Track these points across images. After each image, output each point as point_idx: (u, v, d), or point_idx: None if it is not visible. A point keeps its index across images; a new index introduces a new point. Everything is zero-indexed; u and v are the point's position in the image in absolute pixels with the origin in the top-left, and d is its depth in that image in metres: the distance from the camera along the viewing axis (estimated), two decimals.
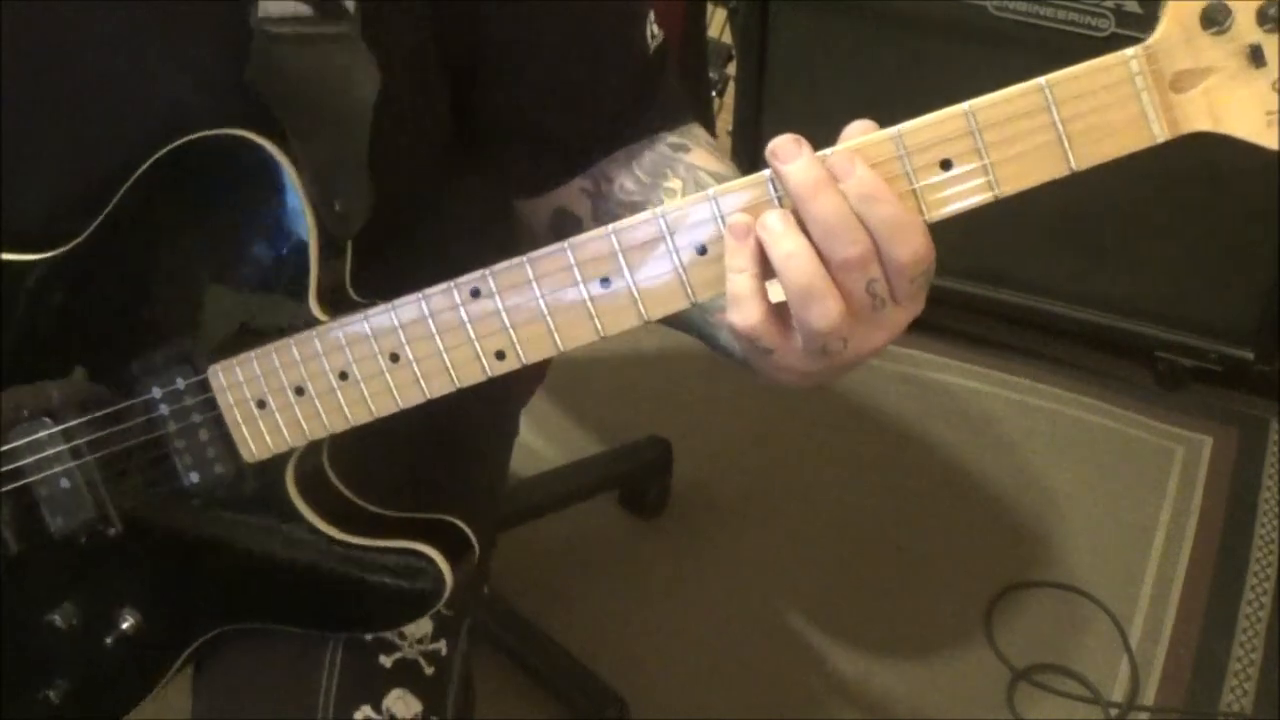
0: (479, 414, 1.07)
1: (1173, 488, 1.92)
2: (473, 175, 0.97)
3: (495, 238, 1.05)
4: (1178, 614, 1.76)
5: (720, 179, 0.90)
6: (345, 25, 0.80)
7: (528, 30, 0.88)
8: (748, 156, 2.02)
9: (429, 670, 0.97)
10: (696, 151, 0.92)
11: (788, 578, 1.81)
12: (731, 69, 1.99)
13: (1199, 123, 0.66)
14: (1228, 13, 0.64)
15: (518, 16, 0.87)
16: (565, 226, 0.94)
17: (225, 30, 0.79)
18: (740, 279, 0.70)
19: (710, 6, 1.97)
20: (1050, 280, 1.97)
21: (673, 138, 0.93)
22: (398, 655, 0.96)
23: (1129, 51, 0.66)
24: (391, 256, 0.86)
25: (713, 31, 2.03)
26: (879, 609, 1.77)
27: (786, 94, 1.96)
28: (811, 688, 1.69)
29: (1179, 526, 1.86)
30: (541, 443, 1.23)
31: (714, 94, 1.97)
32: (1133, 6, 1.69)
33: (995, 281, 1.99)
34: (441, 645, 0.99)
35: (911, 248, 0.68)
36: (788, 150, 0.69)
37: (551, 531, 1.77)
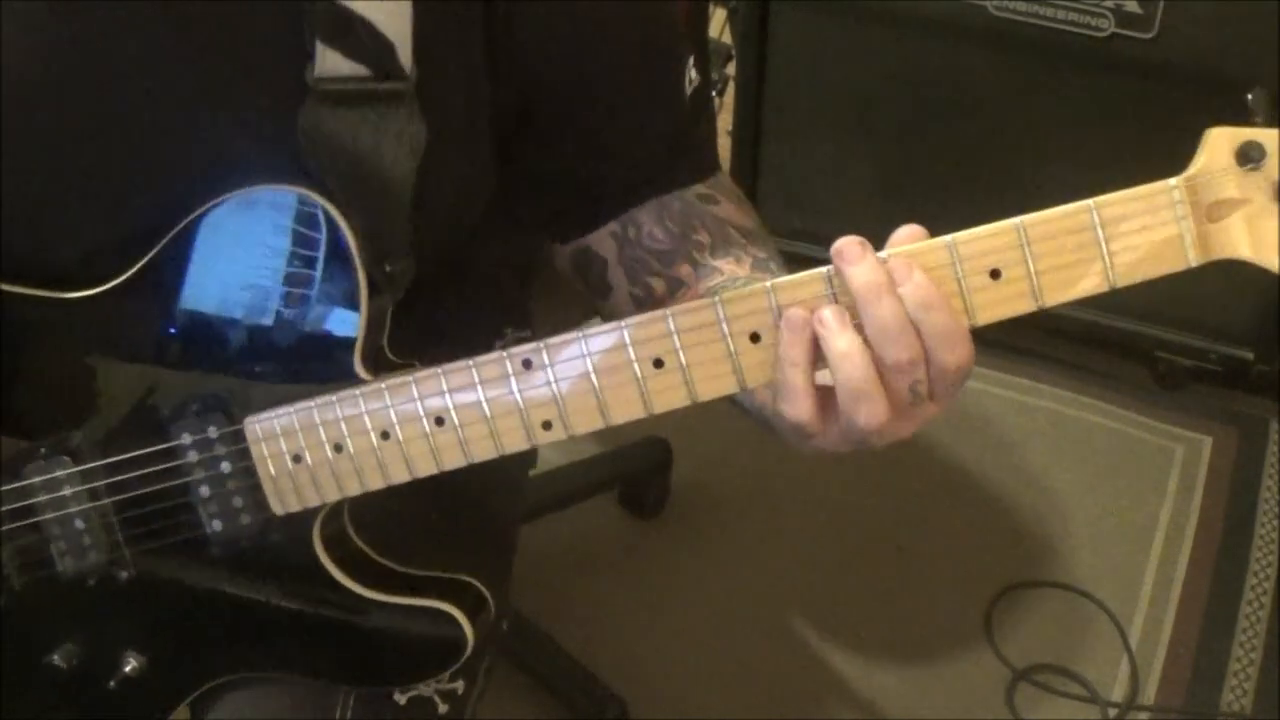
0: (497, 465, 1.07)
1: (1173, 488, 1.92)
2: (501, 220, 0.97)
3: (516, 281, 1.05)
4: (1178, 614, 1.76)
5: (747, 234, 0.91)
6: (401, 85, 0.79)
7: (576, 83, 0.88)
8: (748, 157, 2.02)
9: (443, 708, 0.97)
10: (724, 204, 0.93)
11: (788, 578, 1.81)
12: (731, 69, 1.99)
13: (1231, 250, 0.71)
14: (1262, 151, 0.68)
15: (568, 69, 0.87)
16: (590, 266, 0.94)
17: (280, 85, 0.79)
18: (793, 372, 0.72)
19: (710, 6, 1.97)
20: None
21: (701, 188, 0.93)
22: (413, 693, 0.96)
23: (1171, 181, 0.70)
24: (421, 306, 0.86)
25: (713, 31, 2.03)
26: (879, 609, 1.77)
27: (786, 94, 1.96)
28: (811, 688, 1.69)
29: (1179, 526, 1.86)
30: None
31: (714, 94, 1.97)
32: (1133, 7, 1.69)
33: None
34: (459, 685, 0.99)
35: (959, 356, 0.71)
36: (853, 252, 0.70)
37: (551, 531, 1.77)
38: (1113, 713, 1.65)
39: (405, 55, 0.79)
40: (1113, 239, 0.70)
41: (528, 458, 1.20)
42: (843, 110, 1.92)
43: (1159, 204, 0.69)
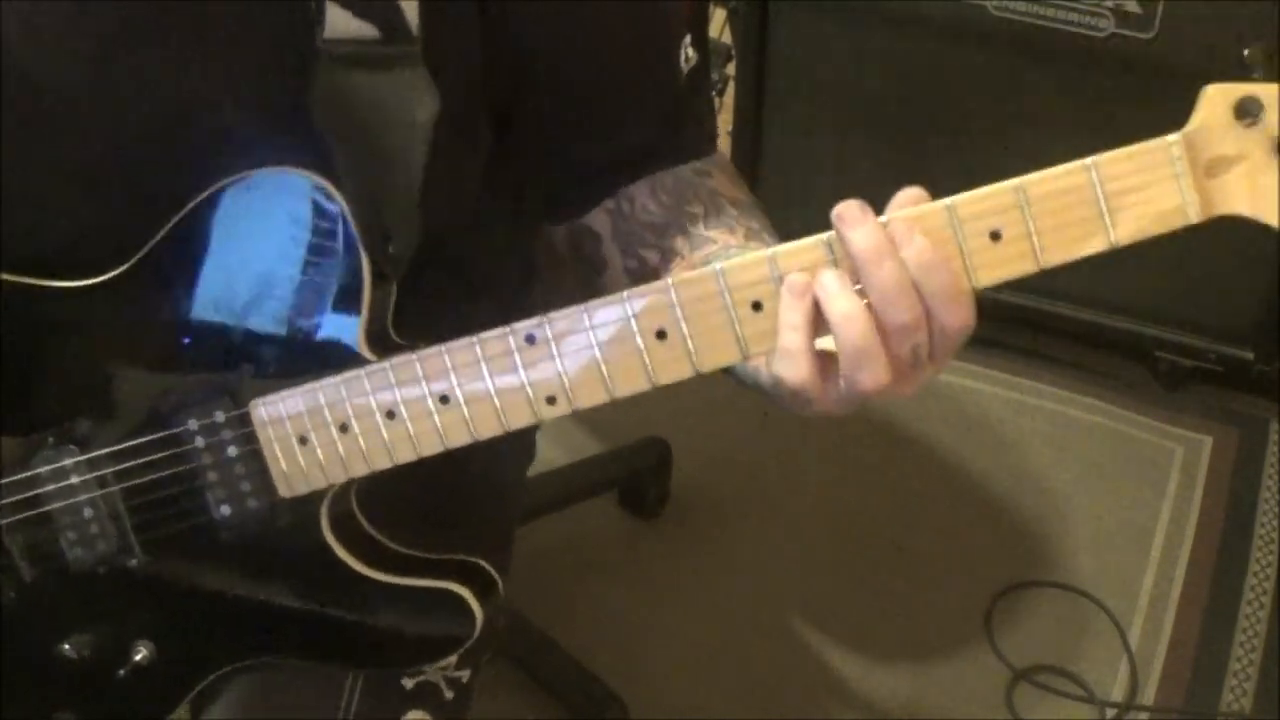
0: (495, 447, 1.07)
1: (1173, 488, 1.92)
2: (501, 201, 0.97)
3: (519, 262, 1.05)
4: (1178, 614, 1.76)
5: (740, 206, 0.91)
6: (409, 48, 0.79)
7: (570, 64, 0.88)
8: (748, 157, 2.02)
9: (449, 695, 0.97)
10: (718, 177, 0.93)
11: (788, 578, 1.81)
12: (731, 69, 1.99)
13: (1230, 206, 0.70)
14: (1259, 106, 0.68)
15: (560, 46, 0.87)
16: (583, 242, 0.94)
17: (288, 51, 0.79)
18: (794, 336, 0.72)
19: (710, 6, 1.97)
20: (1051, 280, 1.96)
21: (696, 163, 0.93)
22: (421, 678, 0.96)
23: (1170, 138, 0.69)
24: (425, 288, 0.86)
25: (713, 32, 2.03)
26: (879, 609, 1.77)
27: (786, 94, 1.96)
28: (811, 688, 1.69)
29: (1179, 526, 1.86)
30: (542, 443, 1.23)
31: (714, 94, 1.97)
32: (1133, 6, 1.69)
33: None
34: (465, 674, 0.99)
35: (960, 317, 0.71)
36: (853, 215, 0.70)
37: (551, 531, 1.77)
38: (1112, 713, 1.65)
39: (412, 17, 0.79)
40: (1112, 197, 0.70)
41: (526, 455, 1.20)
42: (843, 110, 1.92)
43: (1158, 161, 0.69)
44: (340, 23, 0.78)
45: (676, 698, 1.66)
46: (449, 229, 0.89)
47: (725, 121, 2.03)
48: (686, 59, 0.92)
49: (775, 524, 1.88)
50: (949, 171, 1.93)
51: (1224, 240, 1.88)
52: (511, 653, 1.67)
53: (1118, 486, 1.91)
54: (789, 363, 0.72)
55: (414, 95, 0.80)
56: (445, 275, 0.90)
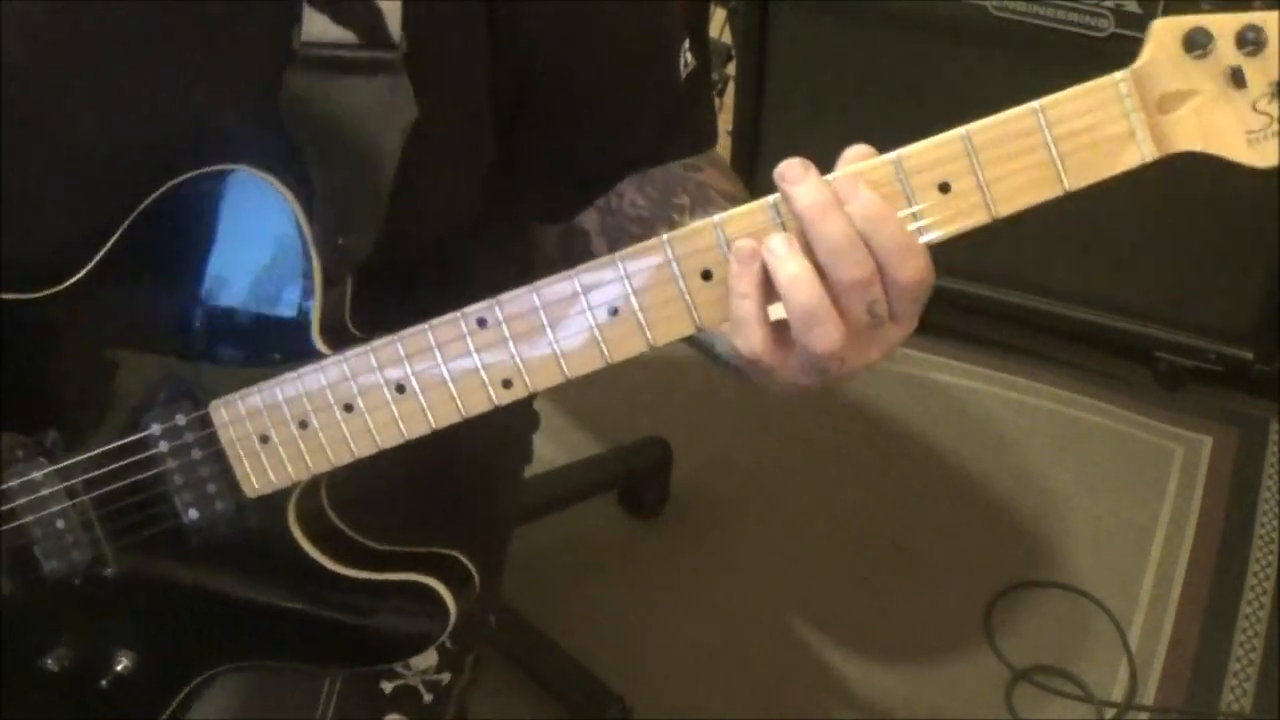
0: (488, 444, 1.06)
1: (1173, 488, 1.92)
2: (498, 202, 0.96)
3: (513, 263, 1.05)
4: (1178, 614, 1.76)
5: (728, 197, 0.90)
6: (389, 54, 0.79)
7: (569, 69, 0.87)
8: (748, 157, 2.02)
9: (427, 698, 0.97)
10: (709, 171, 0.92)
11: (788, 578, 1.81)
12: (731, 69, 1.99)
13: (1184, 142, 0.68)
14: (1209, 36, 0.66)
15: (560, 56, 0.87)
16: (573, 239, 0.94)
17: (265, 50, 0.78)
18: (744, 304, 0.70)
19: (710, 6, 1.97)
20: (1050, 280, 1.97)
21: (687, 159, 0.93)
22: (400, 682, 0.96)
23: (1118, 75, 0.68)
24: (415, 290, 0.86)
25: (713, 31, 2.03)
26: (879, 609, 1.77)
27: (786, 94, 1.96)
28: (811, 688, 1.69)
29: (1179, 526, 1.86)
30: (541, 443, 1.23)
31: (714, 94, 1.97)
32: (1132, 6, 1.69)
33: (995, 282, 1.98)
34: (445, 676, 0.99)
35: (914, 268, 0.69)
36: (795, 173, 0.69)
37: (551, 531, 1.77)
38: (1112, 713, 1.65)
39: (394, 25, 0.79)
40: (1062, 139, 0.68)
41: (522, 455, 1.20)
42: (843, 110, 1.92)
43: (1107, 98, 0.67)
44: (319, 27, 0.78)
45: (676, 698, 1.66)
46: (436, 229, 0.89)
47: (725, 121, 2.03)
48: (685, 64, 0.92)
49: (775, 524, 1.88)
50: None
51: (1224, 240, 1.89)
52: (511, 653, 1.67)
53: (1118, 486, 1.91)
54: (743, 331, 0.71)
55: (390, 102, 0.79)
56: (441, 275, 0.90)
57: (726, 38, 2.04)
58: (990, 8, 1.76)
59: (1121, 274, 1.94)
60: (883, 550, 1.84)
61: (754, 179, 2.04)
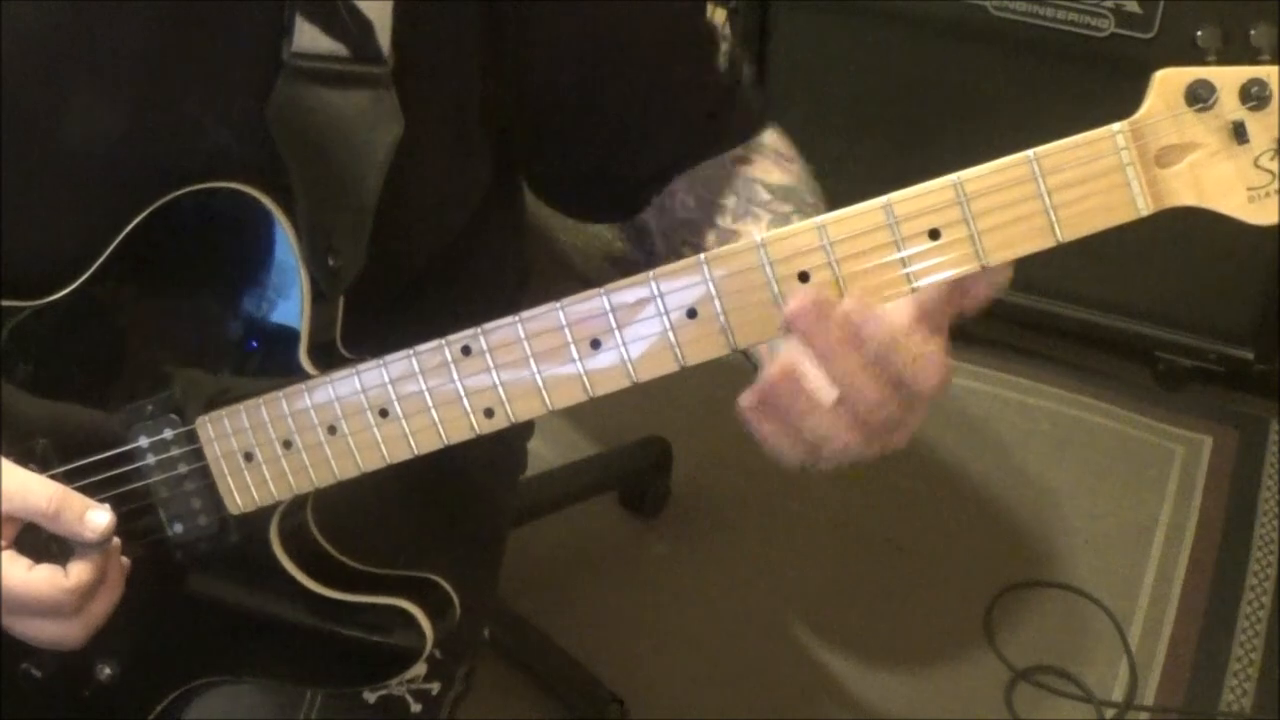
0: (481, 461, 1.05)
1: (1173, 488, 1.92)
2: (497, 209, 0.95)
3: (513, 266, 1.04)
4: (1178, 614, 1.76)
5: (777, 191, 0.89)
6: (377, 69, 0.79)
7: (599, 80, 0.87)
8: None
9: (415, 708, 0.96)
10: (759, 162, 0.92)
11: (788, 578, 1.81)
12: None
13: (1183, 197, 0.67)
14: (1212, 89, 0.65)
15: (588, 68, 0.86)
16: (642, 238, 0.94)
17: (255, 61, 0.78)
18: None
19: (710, 6, 1.96)
20: (1050, 280, 1.97)
21: (738, 150, 0.92)
22: (383, 692, 0.95)
23: (1115, 126, 0.66)
24: (403, 310, 0.85)
25: None
26: (879, 609, 1.77)
27: (786, 94, 1.96)
28: (811, 688, 1.69)
29: (1179, 526, 1.86)
30: (541, 443, 1.23)
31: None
32: (1133, 7, 1.69)
33: None
34: (434, 686, 0.98)
35: (932, 382, 0.69)
36: (807, 320, 0.69)
37: (551, 531, 1.77)
38: (1112, 713, 1.65)
39: (384, 40, 0.79)
40: (1056, 190, 0.66)
41: (517, 467, 1.20)
42: (843, 110, 1.92)
43: (1102, 151, 0.66)
44: (309, 38, 0.78)
45: (676, 698, 1.66)
46: (422, 248, 0.89)
47: None
48: (722, 52, 0.92)
49: (775, 524, 1.88)
50: (949, 171, 1.93)
51: (1224, 240, 1.88)
52: (511, 653, 1.67)
53: (1118, 486, 1.91)
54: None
55: (377, 117, 0.79)
56: (440, 295, 0.90)
57: None
58: (990, 8, 1.76)
59: (1121, 274, 1.94)
60: (882, 550, 1.84)
61: None
